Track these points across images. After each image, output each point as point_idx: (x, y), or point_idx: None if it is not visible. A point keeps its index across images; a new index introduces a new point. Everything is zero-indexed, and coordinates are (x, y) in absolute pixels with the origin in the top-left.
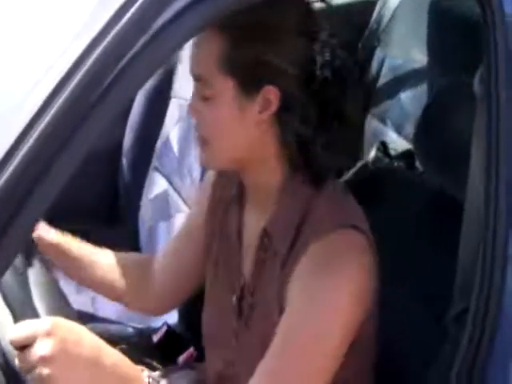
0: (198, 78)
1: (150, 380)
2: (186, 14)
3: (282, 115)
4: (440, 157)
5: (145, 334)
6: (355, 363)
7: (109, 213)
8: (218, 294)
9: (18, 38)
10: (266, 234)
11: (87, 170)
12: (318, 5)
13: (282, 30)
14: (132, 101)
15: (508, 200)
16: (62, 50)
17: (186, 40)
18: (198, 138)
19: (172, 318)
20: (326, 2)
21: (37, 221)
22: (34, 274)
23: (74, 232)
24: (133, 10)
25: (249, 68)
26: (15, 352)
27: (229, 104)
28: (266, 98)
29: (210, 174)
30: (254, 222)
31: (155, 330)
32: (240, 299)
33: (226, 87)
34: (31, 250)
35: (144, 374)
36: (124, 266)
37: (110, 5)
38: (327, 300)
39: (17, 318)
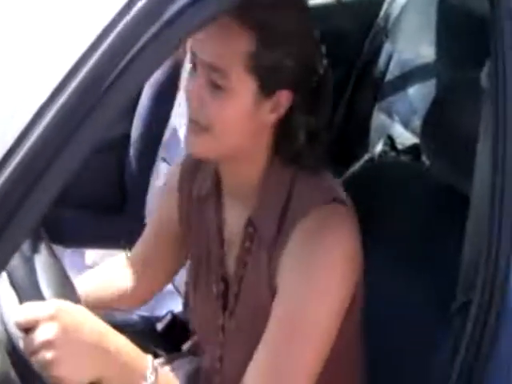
0: (213, 68)
1: (154, 366)
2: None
3: (291, 113)
4: (447, 151)
5: (150, 322)
6: (346, 331)
7: (116, 202)
8: (201, 291)
9: (21, 31)
10: (250, 223)
11: (94, 161)
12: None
13: (299, 34)
14: (140, 92)
15: None
16: (68, 42)
17: (192, 33)
18: (193, 124)
19: (177, 305)
20: None
21: (44, 210)
22: (41, 260)
23: (83, 220)
24: (141, 3)
25: (272, 70)
26: (20, 334)
27: (245, 99)
28: (279, 99)
29: (173, 172)
30: (234, 214)
31: (160, 318)
32: (224, 292)
33: (246, 84)
34: (38, 235)
35: (148, 359)
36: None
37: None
38: (321, 275)
39: (23, 302)
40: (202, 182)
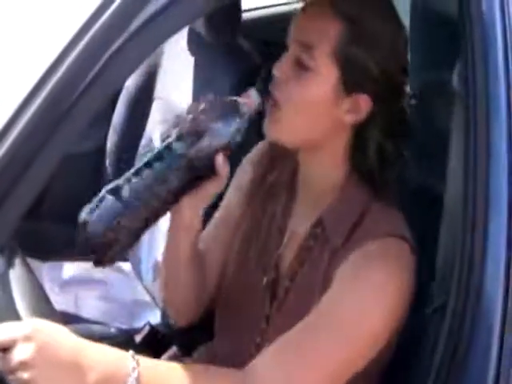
0: (303, 45)
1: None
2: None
3: (366, 124)
4: (421, 152)
5: (128, 334)
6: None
7: None
8: (246, 277)
9: None
10: (320, 223)
11: (71, 172)
12: None
13: (385, 43)
14: (115, 102)
15: (486, 194)
16: (40, 51)
17: (164, 41)
18: (273, 104)
19: (155, 317)
20: None
21: (18, 221)
22: (16, 275)
23: (60, 233)
24: (110, 10)
25: (355, 66)
26: None
27: (326, 85)
28: (358, 102)
29: (261, 147)
30: (303, 211)
31: (138, 330)
32: (274, 282)
33: (329, 69)
34: (13, 250)
35: (129, 364)
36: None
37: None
38: (370, 293)
39: None
40: (280, 171)
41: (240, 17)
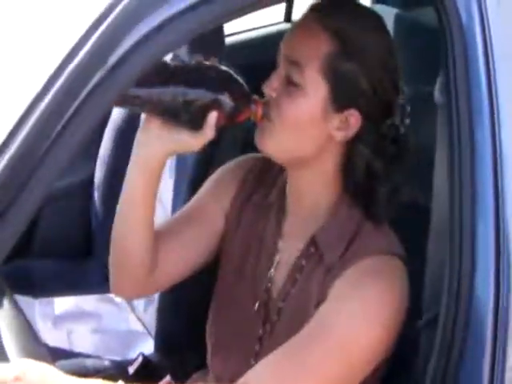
0: (292, 61)
1: None
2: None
3: (356, 142)
4: (410, 167)
5: (121, 366)
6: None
7: (83, 246)
8: (239, 301)
9: None
10: (313, 242)
11: (60, 206)
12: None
13: (376, 57)
14: (101, 135)
15: (472, 206)
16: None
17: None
18: (264, 118)
19: (148, 347)
20: None
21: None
22: (4, 315)
23: (49, 269)
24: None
25: (345, 81)
26: None
27: (315, 101)
28: (348, 119)
29: (245, 163)
30: (294, 230)
31: (131, 361)
32: (265, 305)
33: (318, 85)
34: (1, 289)
35: None
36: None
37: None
38: (365, 308)
39: None
40: (268, 192)
41: (223, 41)
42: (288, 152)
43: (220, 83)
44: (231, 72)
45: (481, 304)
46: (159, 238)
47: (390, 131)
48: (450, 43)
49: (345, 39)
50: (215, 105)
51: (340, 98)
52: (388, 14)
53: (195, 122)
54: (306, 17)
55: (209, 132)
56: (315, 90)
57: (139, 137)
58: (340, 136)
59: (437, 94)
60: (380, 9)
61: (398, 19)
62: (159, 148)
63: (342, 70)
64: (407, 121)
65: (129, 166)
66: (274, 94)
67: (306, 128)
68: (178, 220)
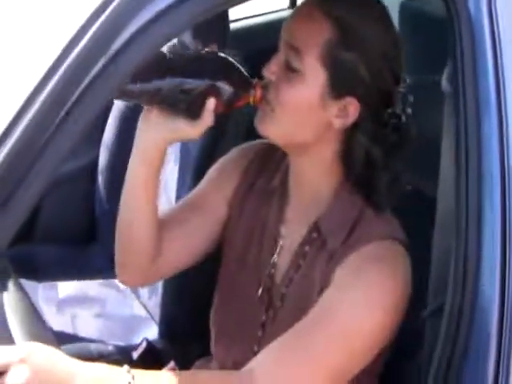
0: (292, 47)
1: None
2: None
3: (355, 130)
4: (413, 155)
5: (125, 351)
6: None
7: (86, 231)
8: (242, 288)
9: None
10: (316, 228)
11: (64, 191)
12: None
13: (377, 46)
14: (105, 120)
15: (479, 195)
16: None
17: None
18: (264, 103)
19: (152, 333)
20: None
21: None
22: (10, 298)
23: (53, 253)
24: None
25: (344, 69)
26: None
27: (313, 88)
28: (347, 107)
29: (247, 152)
30: (296, 216)
31: (135, 347)
32: (269, 291)
33: (317, 72)
34: (6, 273)
35: (124, 379)
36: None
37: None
38: (368, 293)
39: None
40: (271, 176)
41: (228, 27)
42: (287, 136)
43: (217, 70)
44: (229, 58)
45: (487, 293)
46: (163, 226)
47: (391, 120)
48: (457, 33)
49: (345, 28)
50: (213, 92)
51: (338, 86)
52: (393, 2)
53: (193, 111)
54: (308, 3)
55: (207, 119)
56: (314, 77)
57: (140, 125)
58: (339, 123)
59: (444, 84)
60: None
61: (404, 8)
62: (158, 136)
63: (341, 59)
64: (409, 110)
65: (131, 154)
66: (273, 78)
67: (304, 114)
68: (181, 208)
